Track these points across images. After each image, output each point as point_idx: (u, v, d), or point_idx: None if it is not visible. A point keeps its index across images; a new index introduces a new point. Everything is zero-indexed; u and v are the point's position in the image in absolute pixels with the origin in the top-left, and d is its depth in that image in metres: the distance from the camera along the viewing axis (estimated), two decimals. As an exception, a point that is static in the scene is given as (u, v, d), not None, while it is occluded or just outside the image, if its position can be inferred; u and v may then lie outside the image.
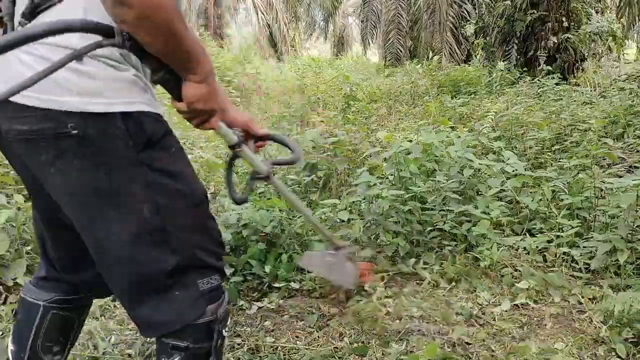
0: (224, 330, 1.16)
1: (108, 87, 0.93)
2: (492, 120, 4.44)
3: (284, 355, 1.68)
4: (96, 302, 2.01)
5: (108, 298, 2.02)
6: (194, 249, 1.08)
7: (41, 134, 0.92)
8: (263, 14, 19.73)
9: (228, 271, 2.02)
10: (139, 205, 0.99)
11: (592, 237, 2.22)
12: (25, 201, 2.33)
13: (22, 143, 0.95)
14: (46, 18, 0.90)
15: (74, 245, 1.13)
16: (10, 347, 1.26)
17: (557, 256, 2.22)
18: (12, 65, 0.90)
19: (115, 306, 2.01)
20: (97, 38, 0.84)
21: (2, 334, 1.73)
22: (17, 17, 0.94)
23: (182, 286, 1.06)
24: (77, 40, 0.85)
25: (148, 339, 1.76)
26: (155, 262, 1.03)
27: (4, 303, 2.02)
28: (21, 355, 1.23)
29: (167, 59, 0.93)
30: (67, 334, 1.28)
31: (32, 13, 0.92)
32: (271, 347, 1.73)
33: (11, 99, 0.85)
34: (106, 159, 0.95)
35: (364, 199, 2.66)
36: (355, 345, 1.70)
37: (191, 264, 1.07)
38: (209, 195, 3.27)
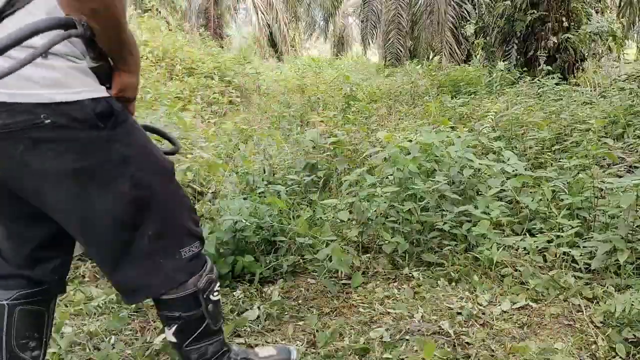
0: (211, 295, 1.26)
1: (71, 77, 1.01)
2: (492, 120, 4.43)
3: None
4: (95, 303, 2.01)
5: (108, 298, 2.02)
6: (172, 215, 1.17)
7: (14, 127, 0.97)
8: (263, 14, 19.72)
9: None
10: (118, 180, 1.08)
11: (592, 237, 2.22)
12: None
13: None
14: (9, 23, 0.97)
15: (32, 238, 1.19)
16: None
17: (557, 256, 2.21)
18: None
19: (117, 307, 2.00)
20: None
21: None
22: None
23: (164, 253, 1.16)
24: (39, 39, 0.88)
25: (148, 338, 1.76)
26: (139, 231, 1.12)
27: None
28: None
29: (111, 48, 1.03)
30: (40, 328, 1.27)
31: None
32: (271, 347, 1.72)
33: None
34: (81, 142, 1.03)
35: (363, 198, 2.66)
36: (356, 345, 1.70)
37: (171, 230, 1.17)
38: (209, 195, 3.28)
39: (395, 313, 1.91)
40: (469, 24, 10.12)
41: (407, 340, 1.73)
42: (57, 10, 0.94)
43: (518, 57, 8.08)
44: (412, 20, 14.58)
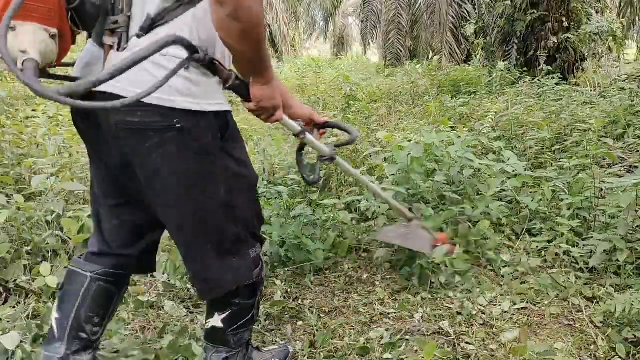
0: (261, 288, 1.47)
1: (204, 91, 1.15)
2: (492, 120, 4.43)
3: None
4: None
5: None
6: (248, 221, 1.35)
7: (150, 125, 1.12)
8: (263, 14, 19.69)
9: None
10: (218, 185, 1.23)
11: (592, 237, 2.22)
12: (25, 201, 2.33)
13: (128, 132, 1.14)
14: (162, 33, 1.09)
15: (133, 222, 1.37)
16: (55, 315, 1.39)
17: (557, 256, 2.22)
18: (136, 71, 0.97)
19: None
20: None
21: (2, 334, 1.73)
22: (134, 30, 1.11)
23: (238, 253, 1.32)
24: (185, 53, 1.05)
25: (149, 337, 1.76)
26: (225, 232, 1.28)
27: (5, 303, 2.02)
28: (64, 323, 1.37)
29: (250, 64, 1.19)
30: (107, 307, 1.42)
31: (150, 27, 1.10)
32: (271, 347, 1.72)
33: (119, 95, 1.06)
34: (199, 148, 1.17)
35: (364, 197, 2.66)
36: (356, 345, 1.71)
37: (246, 234, 1.34)
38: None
39: (395, 313, 1.91)
40: (469, 24, 10.11)
41: (407, 340, 1.73)
42: (199, 28, 1.11)
43: (518, 57, 8.07)
44: (412, 20, 14.58)
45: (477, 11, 11.10)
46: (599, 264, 2.08)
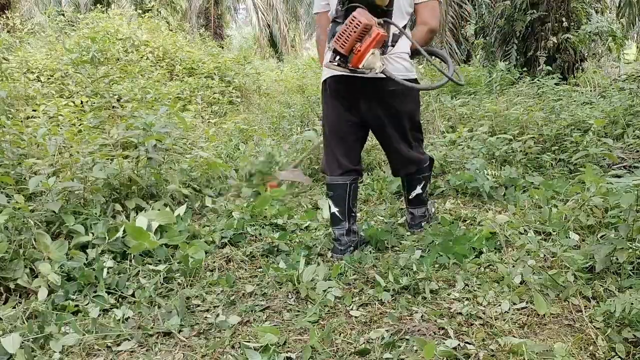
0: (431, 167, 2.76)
1: (412, 67, 2.38)
2: (492, 120, 4.43)
3: (285, 354, 1.68)
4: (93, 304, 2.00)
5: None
6: (419, 124, 2.60)
7: (392, 87, 2.27)
8: (263, 14, 19.73)
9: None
10: (415, 101, 2.51)
11: (592, 237, 2.22)
12: (25, 201, 2.33)
13: (387, 92, 2.32)
14: (401, 44, 2.29)
15: (361, 144, 2.56)
16: (334, 209, 2.46)
17: (557, 256, 2.21)
18: (392, 63, 2.27)
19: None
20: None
21: (2, 334, 1.73)
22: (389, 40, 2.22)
23: (419, 143, 2.61)
24: (405, 51, 2.34)
25: (142, 332, 1.77)
26: (419, 132, 2.60)
27: (5, 303, 2.02)
28: (343, 210, 2.46)
29: (427, 42, 2.41)
30: (356, 197, 2.55)
31: (394, 41, 2.25)
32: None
33: (391, 76, 2.10)
34: (416, 95, 2.51)
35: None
36: (356, 345, 1.70)
37: (420, 131, 2.62)
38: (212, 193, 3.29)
39: (395, 313, 1.91)
40: (469, 24, 10.11)
41: (407, 340, 1.73)
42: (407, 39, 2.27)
43: (518, 57, 8.07)
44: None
45: (477, 11, 11.08)
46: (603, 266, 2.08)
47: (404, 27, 2.27)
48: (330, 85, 2.37)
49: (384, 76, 2.10)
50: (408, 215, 2.75)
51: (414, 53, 2.36)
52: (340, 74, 2.19)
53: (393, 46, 2.23)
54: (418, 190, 2.62)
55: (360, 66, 2.02)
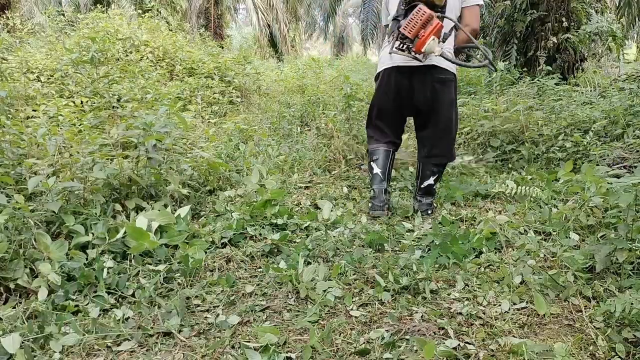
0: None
1: (453, 63, 2.75)
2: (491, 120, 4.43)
3: (285, 354, 1.68)
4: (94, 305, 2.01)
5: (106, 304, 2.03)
6: (457, 121, 3.06)
7: (447, 78, 2.86)
8: (263, 14, 19.72)
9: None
10: (454, 92, 2.93)
11: (592, 237, 2.22)
12: (25, 201, 2.33)
13: (436, 82, 2.85)
14: (449, 40, 2.85)
15: (404, 121, 3.16)
16: (377, 170, 3.04)
17: (557, 256, 2.22)
18: (437, 56, 2.68)
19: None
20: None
21: (2, 334, 1.73)
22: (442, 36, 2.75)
23: (454, 139, 3.03)
24: (451, 48, 2.89)
25: (142, 332, 1.77)
26: (456, 128, 3.04)
27: (5, 303, 2.02)
28: (384, 172, 3.06)
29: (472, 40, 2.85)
30: (393, 163, 3.14)
31: (444, 38, 2.73)
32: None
33: (437, 65, 2.78)
34: (454, 82, 2.92)
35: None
36: (356, 345, 1.70)
37: (456, 127, 3.04)
38: (207, 193, 3.28)
39: (395, 313, 1.91)
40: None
41: (407, 340, 1.73)
42: (452, 39, 2.90)
43: (518, 57, 8.07)
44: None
45: (477, 11, 11.07)
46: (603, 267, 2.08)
47: (450, 29, 2.79)
48: (390, 73, 2.89)
49: (437, 65, 2.75)
50: (416, 203, 3.09)
51: (457, 51, 2.92)
52: (399, 64, 2.81)
53: (444, 42, 2.72)
54: (430, 181, 3.03)
55: (423, 49, 2.51)
